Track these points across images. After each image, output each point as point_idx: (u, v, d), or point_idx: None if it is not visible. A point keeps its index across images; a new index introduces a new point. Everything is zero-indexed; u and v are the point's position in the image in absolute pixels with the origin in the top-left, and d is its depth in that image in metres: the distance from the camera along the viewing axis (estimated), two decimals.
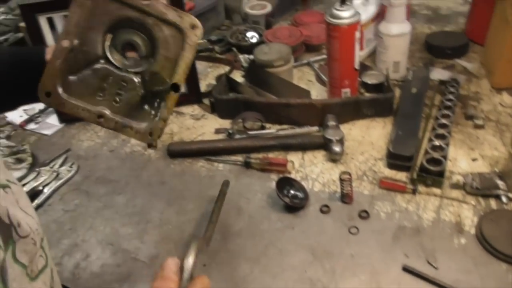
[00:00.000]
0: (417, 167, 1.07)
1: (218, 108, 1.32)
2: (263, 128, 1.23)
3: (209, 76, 1.50)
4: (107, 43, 0.72)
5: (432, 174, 1.02)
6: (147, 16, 0.69)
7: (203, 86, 1.43)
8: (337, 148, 1.15)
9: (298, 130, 1.21)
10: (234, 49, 1.55)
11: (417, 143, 1.12)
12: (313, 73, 1.44)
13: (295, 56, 1.43)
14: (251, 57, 1.39)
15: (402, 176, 1.09)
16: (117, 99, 0.73)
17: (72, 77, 0.71)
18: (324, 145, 1.14)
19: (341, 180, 0.98)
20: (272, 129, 1.24)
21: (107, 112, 0.74)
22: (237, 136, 1.20)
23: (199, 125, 1.30)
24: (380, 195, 1.02)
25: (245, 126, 1.23)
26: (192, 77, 1.33)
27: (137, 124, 0.74)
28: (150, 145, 0.75)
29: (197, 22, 0.69)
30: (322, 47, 1.50)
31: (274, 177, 1.08)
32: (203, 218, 0.99)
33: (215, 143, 1.18)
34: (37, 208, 1.07)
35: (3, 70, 0.72)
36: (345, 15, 1.13)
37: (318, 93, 1.34)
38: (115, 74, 0.72)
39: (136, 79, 0.72)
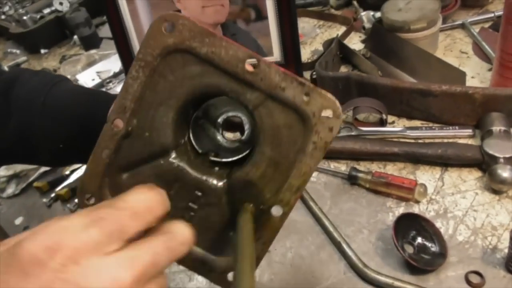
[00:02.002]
0: None
1: (322, 87, 0.94)
2: (382, 124, 0.90)
3: (316, 39, 1.23)
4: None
5: None
6: (249, 89, 0.44)
7: (305, 54, 1.16)
8: (505, 173, 0.71)
9: (439, 133, 0.86)
10: (355, 2, 1.23)
11: None
12: (470, 40, 1.06)
13: (444, 14, 1.08)
14: (378, 14, 1.11)
15: None
16: (186, 216, 0.49)
17: (124, 175, 0.49)
18: (482, 162, 0.78)
19: None
20: (397, 126, 0.91)
21: None
22: (343, 133, 0.90)
23: None
24: None
25: (356, 119, 0.92)
26: (292, 38, 1.02)
27: (214, 258, 0.49)
28: None
29: (336, 105, 0.42)
30: (487, 1, 1.14)
31: (392, 205, 0.78)
32: None
33: None
34: None
35: (66, 127, 0.61)
36: None
37: (476, 74, 0.97)
38: (187, 177, 0.48)
39: (219, 185, 0.48)
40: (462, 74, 0.87)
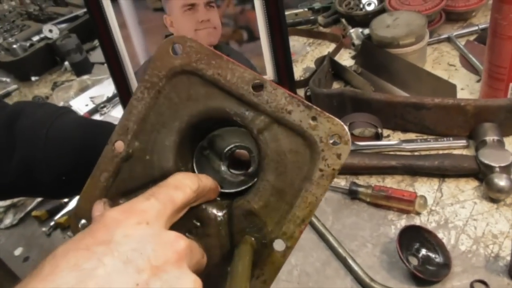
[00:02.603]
0: None
1: (316, 105, 0.94)
2: (378, 138, 0.91)
3: (307, 57, 1.25)
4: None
5: None
6: (254, 111, 0.42)
7: (297, 71, 1.17)
8: (501, 182, 0.73)
9: (434, 145, 0.87)
10: (343, 20, 1.25)
11: None
12: (456, 53, 1.08)
13: (430, 29, 1.10)
14: (367, 31, 1.13)
15: None
16: None
17: (122, 201, 0.45)
18: (478, 172, 0.79)
19: None
20: (392, 139, 0.92)
21: None
22: None
23: None
24: None
25: (353, 134, 0.93)
26: (284, 57, 1.03)
27: None
28: None
29: (344, 130, 0.40)
30: (470, 14, 1.16)
31: (394, 218, 0.79)
32: None
33: None
34: None
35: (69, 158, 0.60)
36: None
37: (465, 86, 0.99)
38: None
39: (219, 215, 0.45)
40: (453, 87, 0.88)
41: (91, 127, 0.63)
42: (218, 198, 0.45)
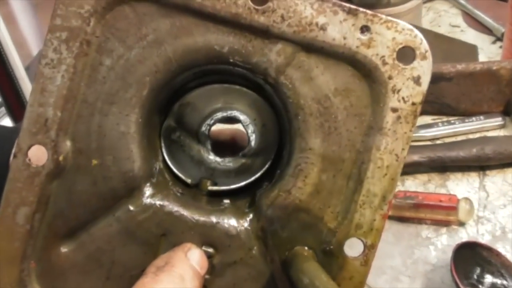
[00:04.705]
0: None
1: None
2: None
3: None
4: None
5: None
6: (263, 41, 0.32)
7: None
8: None
9: (461, 127, 0.75)
10: None
11: None
12: (457, 11, 1.01)
13: None
14: None
15: None
16: None
17: (65, 248, 0.34)
18: None
19: None
20: None
21: None
22: None
23: None
24: None
25: None
26: None
27: None
28: None
29: (417, 38, 0.31)
30: None
31: (431, 235, 0.66)
32: None
33: None
34: None
35: None
36: None
37: (479, 50, 0.87)
38: (182, 225, 0.34)
39: (242, 228, 0.35)
40: (472, 49, 0.79)
41: None
42: (227, 201, 0.37)
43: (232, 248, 0.34)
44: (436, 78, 0.72)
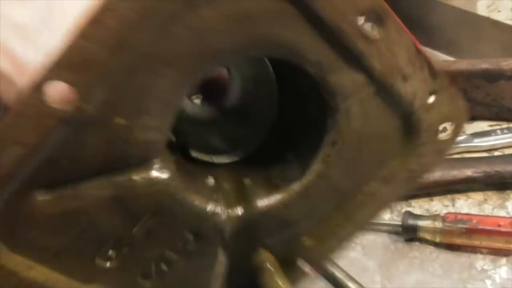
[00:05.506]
0: None
1: None
2: None
3: None
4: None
5: None
6: (349, 65, 0.33)
7: None
8: None
9: None
10: None
11: None
12: None
13: None
14: None
15: None
16: (149, 274, 0.37)
17: (42, 197, 0.32)
18: None
19: None
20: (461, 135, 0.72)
21: None
22: None
23: None
24: None
25: None
26: None
27: None
28: None
29: (463, 118, 0.36)
30: None
31: (487, 267, 0.60)
32: None
33: None
34: None
35: None
36: None
37: None
38: (178, 208, 0.36)
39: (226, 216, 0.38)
40: None
41: None
42: (212, 181, 0.38)
43: (209, 241, 0.36)
44: (495, 76, 0.66)
